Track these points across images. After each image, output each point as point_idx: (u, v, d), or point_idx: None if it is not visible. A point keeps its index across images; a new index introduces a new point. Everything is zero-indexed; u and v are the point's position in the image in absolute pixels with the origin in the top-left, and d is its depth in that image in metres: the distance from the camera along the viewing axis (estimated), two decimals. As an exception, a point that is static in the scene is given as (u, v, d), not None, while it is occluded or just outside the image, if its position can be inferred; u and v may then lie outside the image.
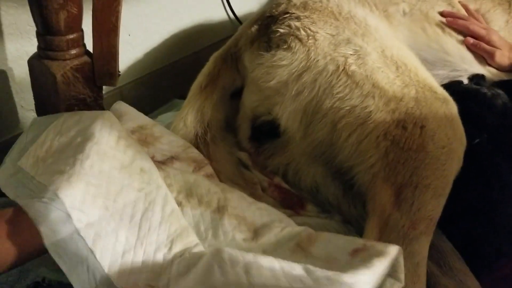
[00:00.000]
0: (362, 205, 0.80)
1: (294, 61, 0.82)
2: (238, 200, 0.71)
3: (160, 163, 0.75)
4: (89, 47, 0.79)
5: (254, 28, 0.93)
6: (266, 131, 0.89)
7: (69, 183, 0.61)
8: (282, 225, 0.67)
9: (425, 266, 0.70)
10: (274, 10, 0.94)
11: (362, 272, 0.54)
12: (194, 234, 0.66)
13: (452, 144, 0.76)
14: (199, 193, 0.70)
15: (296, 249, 0.62)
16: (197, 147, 0.87)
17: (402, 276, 0.58)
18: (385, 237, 0.70)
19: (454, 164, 0.76)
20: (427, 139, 0.75)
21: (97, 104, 0.80)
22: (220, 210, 0.68)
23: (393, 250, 0.58)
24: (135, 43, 1.20)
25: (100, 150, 0.66)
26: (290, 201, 0.85)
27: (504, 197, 0.80)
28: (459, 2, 1.16)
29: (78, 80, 0.76)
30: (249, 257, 0.55)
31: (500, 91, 0.95)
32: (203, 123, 0.91)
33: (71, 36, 0.74)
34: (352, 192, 0.80)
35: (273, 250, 0.63)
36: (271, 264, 0.54)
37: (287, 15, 0.89)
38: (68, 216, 0.59)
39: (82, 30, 0.76)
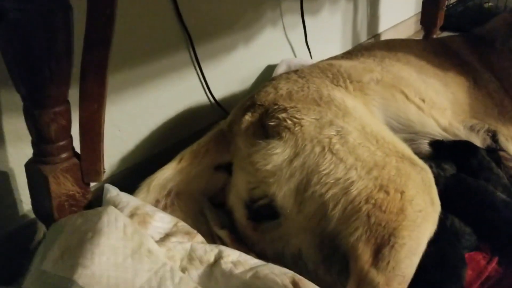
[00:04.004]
0: (337, 271, 0.86)
1: (286, 149, 0.90)
2: (231, 250, 0.85)
3: (160, 241, 0.84)
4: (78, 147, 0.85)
5: (248, 116, 1.01)
6: (266, 214, 0.95)
7: (94, 277, 0.70)
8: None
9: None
10: (264, 100, 1.03)
11: None
12: None
13: (428, 208, 0.84)
14: (198, 255, 0.82)
15: None
16: None
17: None
18: (361, 292, 0.76)
19: (428, 227, 0.83)
20: (406, 203, 0.82)
21: (85, 198, 0.86)
22: (217, 261, 0.82)
23: None
24: (125, 137, 1.27)
25: (111, 245, 0.75)
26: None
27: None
28: None
29: (67, 180, 0.82)
30: None
31: (447, 166, 1.09)
32: (165, 190, 0.99)
33: (61, 143, 0.80)
34: (331, 259, 0.86)
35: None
36: None
37: (276, 106, 0.99)
38: None
39: (71, 137, 0.83)
